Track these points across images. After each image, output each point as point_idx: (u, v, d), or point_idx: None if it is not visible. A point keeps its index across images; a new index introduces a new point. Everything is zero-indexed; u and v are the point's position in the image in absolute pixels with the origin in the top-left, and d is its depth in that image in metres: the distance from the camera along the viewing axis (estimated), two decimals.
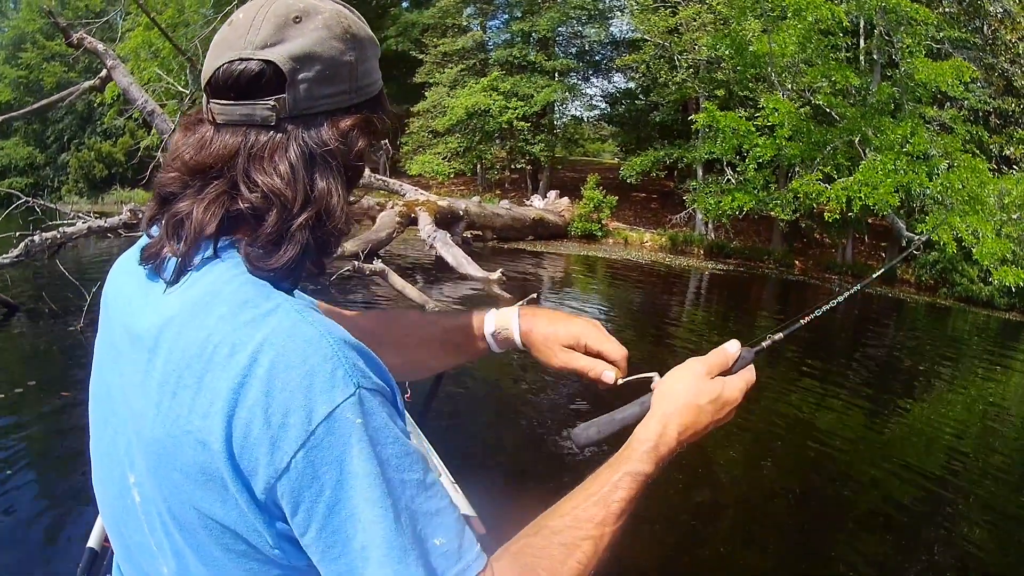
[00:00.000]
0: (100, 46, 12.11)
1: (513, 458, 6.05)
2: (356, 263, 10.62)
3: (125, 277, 1.27)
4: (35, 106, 15.23)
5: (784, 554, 5.05)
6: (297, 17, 1.15)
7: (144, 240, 1.23)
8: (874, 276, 1.97)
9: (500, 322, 1.63)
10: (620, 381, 1.50)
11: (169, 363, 1.07)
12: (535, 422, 6.80)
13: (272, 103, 1.12)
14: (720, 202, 22.04)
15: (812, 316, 1.55)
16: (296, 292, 1.21)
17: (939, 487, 6.26)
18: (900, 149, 19.07)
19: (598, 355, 1.53)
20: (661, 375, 1.42)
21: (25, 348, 8.75)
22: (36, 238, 9.87)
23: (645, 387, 1.43)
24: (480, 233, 22.44)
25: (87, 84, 13.08)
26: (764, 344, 1.47)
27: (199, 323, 1.06)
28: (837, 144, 20.32)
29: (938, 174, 18.92)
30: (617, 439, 1.37)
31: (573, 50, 37.40)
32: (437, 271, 15.34)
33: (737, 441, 6.82)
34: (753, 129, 21.04)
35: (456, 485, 3.09)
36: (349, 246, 14.91)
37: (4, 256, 9.75)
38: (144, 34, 25.02)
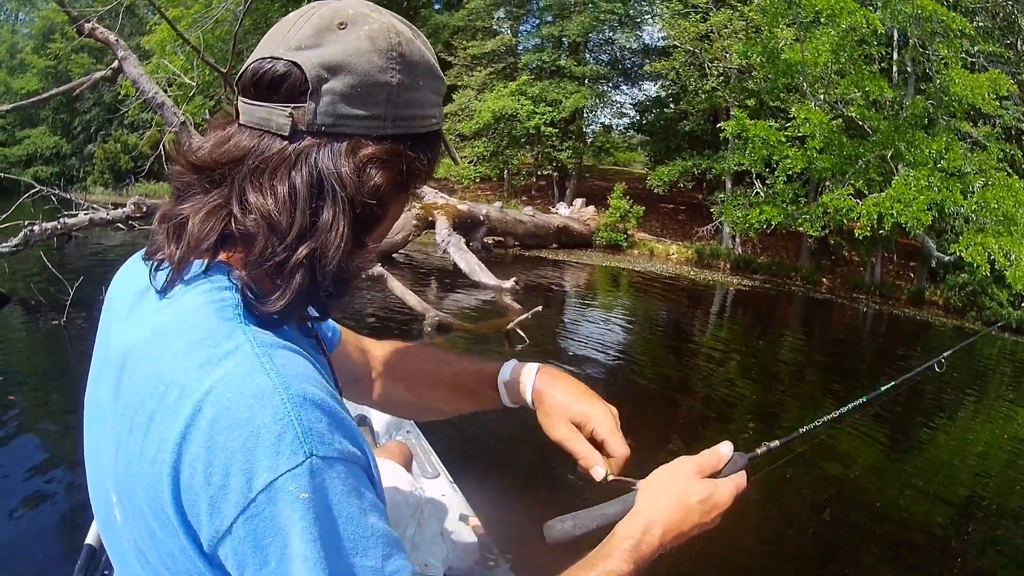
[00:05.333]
0: (111, 36, 11.89)
1: (513, 458, 5.95)
2: None
3: (126, 279, 1.20)
4: (44, 95, 15.11)
5: None
6: (342, 23, 1.06)
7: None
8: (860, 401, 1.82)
9: (516, 374, 1.56)
10: (610, 478, 1.38)
11: (127, 396, 1.01)
12: (535, 422, 6.49)
13: (290, 110, 1.03)
14: (747, 215, 21.59)
15: (812, 427, 1.51)
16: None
17: (960, 518, 6.11)
18: (934, 165, 18.59)
19: (601, 444, 1.43)
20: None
21: (7, 340, 8.62)
22: (36, 228, 9.77)
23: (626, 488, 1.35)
24: (502, 239, 22.21)
25: (98, 75, 12.90)
26: (758, 451, 1.41)
27: (155, 356, 0.99)
28: (869, 158, 19.84)
29: (973, 192, 18.42)
30: (596, 536, 1.29)
31: (605, 57, 37.24)
32: (453, 278, 15.08)
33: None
34: (783, 140, 20.60)
35: (455, 485, 3.02)
36: None
37: (3, 245, 9.68)
38: (170, 29, 24.96)
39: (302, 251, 1.01)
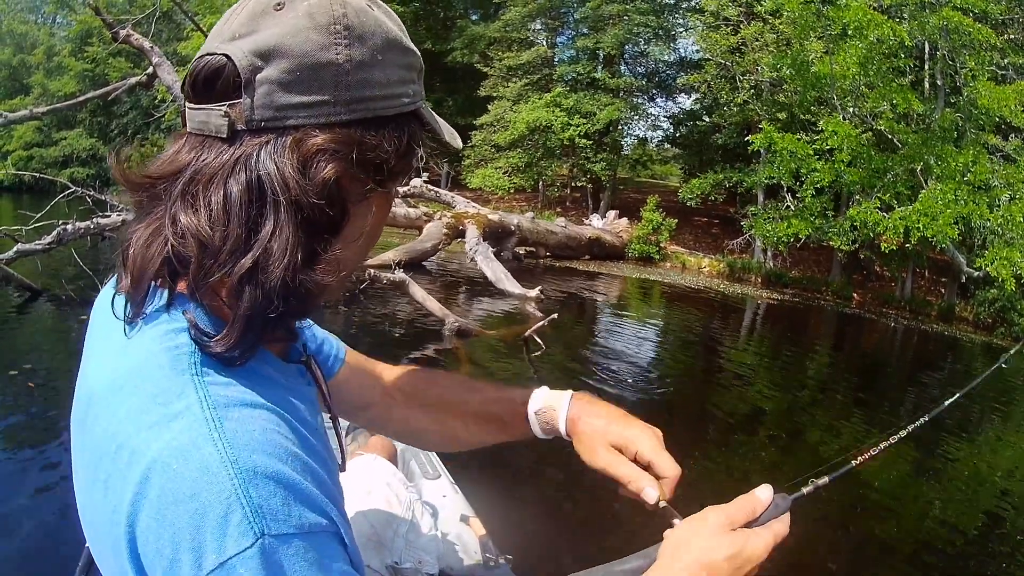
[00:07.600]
0: (146, 43, 12.17)
1: (514, 459, 5.81)
2: (372, 272, 10.24)
3: (104, 306, 1.05)
4: (81, 98, 15.28)
5: None
6: (279, 4, 0.93)
7: None
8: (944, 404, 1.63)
9: (548, 401, 1.46)
10: (662, 504, 1.26)
11: (89, 447, 0.94)
12: None
13: (225, 109, 0.90)
14: (776, 228, 21.47)
15: (866, 457, 1.32)
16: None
17: (980, 538, 5.95)
18: (961, 178, 18.42)
19: (647, 466, 1.31)
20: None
21: (36, 332, 8.88)
22: (69, 227, 9.94)
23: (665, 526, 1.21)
24: (534, 250, 22.30)
25: (133, 80, 13.15)
26: (804, 491, 1.24)
27: (112, 411, 0.90)
28: (898, 172, 19.66)
29: (999, 206, 18.22)
30: None
31: (640, 69, 37.28)
32: (481, 286, 15.13)
33: (777, 477, 6.49)
34: (811, 153, 20.48)
35: (456, 486, 2.97)
36: (390, 255, 14.81)
37: (37, 242, 9.89)
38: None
39: (244, 263, 0.88)
